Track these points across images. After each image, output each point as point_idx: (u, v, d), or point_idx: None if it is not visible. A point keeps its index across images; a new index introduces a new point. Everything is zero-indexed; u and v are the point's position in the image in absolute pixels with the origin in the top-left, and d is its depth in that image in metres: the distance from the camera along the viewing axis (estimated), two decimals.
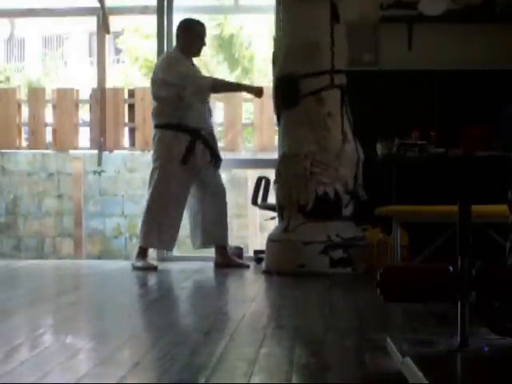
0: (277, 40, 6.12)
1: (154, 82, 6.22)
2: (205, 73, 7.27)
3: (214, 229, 6.28)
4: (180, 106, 6.09)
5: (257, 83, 13.26)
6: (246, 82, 13.43)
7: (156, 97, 6.19)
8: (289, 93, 5.88)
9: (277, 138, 7.11)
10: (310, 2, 5.84)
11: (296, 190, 5.85)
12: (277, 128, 7.08)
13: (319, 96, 5.83)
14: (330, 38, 5.83)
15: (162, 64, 6.23)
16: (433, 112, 6.53)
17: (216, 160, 6.26)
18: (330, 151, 5.82)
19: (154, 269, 6.10)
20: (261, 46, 13.33)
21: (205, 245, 6.36)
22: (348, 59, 6.03)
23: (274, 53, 6.14)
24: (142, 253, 6.23)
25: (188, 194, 6.23)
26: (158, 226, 6.14)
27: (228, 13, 11.89)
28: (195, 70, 6.27)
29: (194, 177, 6.20)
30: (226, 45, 14.28)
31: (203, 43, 6.27)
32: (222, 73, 13.46)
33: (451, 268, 2.50)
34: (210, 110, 6.37)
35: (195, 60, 6.36)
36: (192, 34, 6.23)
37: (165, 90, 6.11)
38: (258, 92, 6.31)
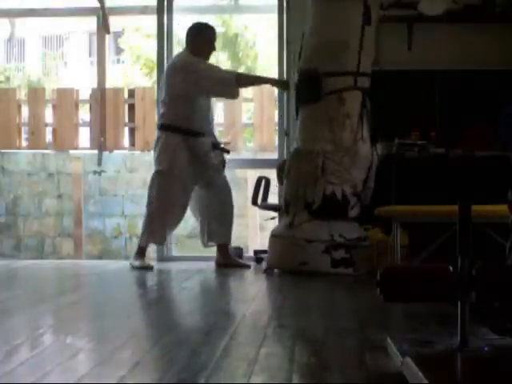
0: (303, 36, 6.07)
1: (167, 82, 6.21)
2: None
3: (217, 227, 6.30)
4: (191, 108, 6.10)
5: None
6: None
7: (168, 97, 6.17)
8: (311, 88, 5.86)
9: (277, 137, 7.10)
10: (343, 2, 5.83)
11: (304, 187, 5.84)
12: (277, 127, 7.10)
13: (341, 96, 5.81)
14: (360, 40, 5.82)
15: (179, 64, 6.19)
16: (433, 112, 6.53)
17: (223, 162, 6.31)
18: (344, 152, 5.80)
19: (150, 268, 6.12)
20: (265, 46, 13.32)
21: (210, 243, 6.38)
22: None
23: (300, 48, 6.10)
24: (141, 252, 6.26)
25: (190, 197, 6.26)
26: (162, 227, 6.21)
27: (228, 13, 11.89)
28: (216, 67, 6.29)
29: (199, 178, 6.22)
30: (230, 44, 14.28)
31: (213, 47, 6.28)
32: None
33: (451, 268, 2.50)
34: (212, 113, 6.39)
35: None
36: (202, 39, 6.24)
37: (181, 91, 6.10)
38: (283, 85, 6.31)
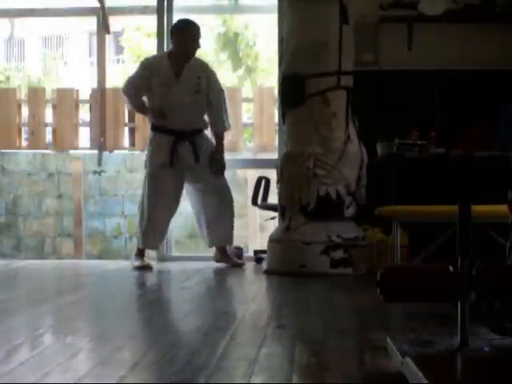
0: (283, 40, 6.10)
1: None
2: None
3: (215, 229, 6.31)
4: (164, 107, 6.12)
5: (260, 82, 13.30)
6: (248, 81, 13.47)
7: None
8: (294, 92, 5.88)
9: (277, 137, 7.11)
10: (319, 3, 5.84)
11: (298, 190, 5.85)
12: (277, 127, 7.10)
13: (325, 96, 5.82)
14: (339, 40, 5.83)
15: None
16: (433, 112, 6.53)
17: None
18: (334, 152, 5.82)
19: (150, 268, 6.14)
20: (266, 45, 13.30)
21: (212, 244, 6.39)
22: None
23: (281, 53, 6.12)
24: (139, 252, 6.30)
25: (179, 194, 6.26)
26: (152, 228, 6.23)
27: (228, 13, 11.88)
28: (137, 81, 6.27)
29: (184, 177, 6.22)
30: (231, 43, 14.27)
31: (196, 45, 6.19)
32: (226, 71, 13.44)
33: (451, 268, 2.50)
34: (196, 113, 6.32)
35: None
36: (183, 37, 6.16)
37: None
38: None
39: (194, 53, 6.22)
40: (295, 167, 5.87)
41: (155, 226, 6.25)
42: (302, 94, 5.84)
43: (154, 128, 6.25)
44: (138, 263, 6.21)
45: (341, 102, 5.87)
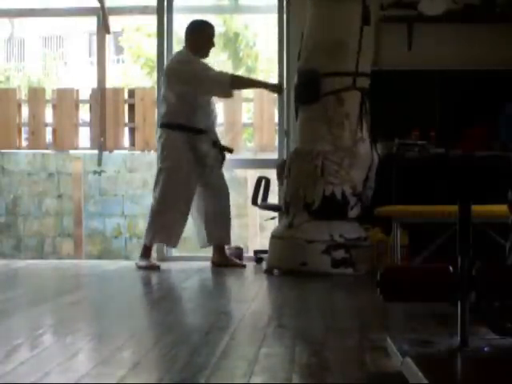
0: (303, 35, 6.06)
1: (166, 81, 6.22)
2: None
3: (215, 228, 6.29)
4: (192, 106, 6.11)
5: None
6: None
7: (168, 96, 6.17)
8: (309, 88, 5.87)
9: (277, 137, 7.10)
10: (341, 2, 5.83)
11: (304, 188, 5.84)
12: (277, 127, 7.10)
13: (339, 96, 5.82)
14: (358, 41, 5.82)
15: (175, 63, 6.23)
16: (433, 112, 6.53)
17: (222, 160, 6.32)
18: (344, 152, 5.80)
19: (157, 268, 6.11)
20: (266, 45, 13.30)
21: (209, 244, 6.37)
22: None
23: (300, 48, 6.10)
24: (146, 252, 6.24)
25: (195, 194, 6.25)
26: (167, 224, 6.16)
27: (228, 13, 11.89)
28: (211, 67, 6.30)
29: (200, 177, 6.22)
30: (231, 43, 14.28)
31: (212, 44, 6.29)
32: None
33: (451, 268, 2.50)
34: (214, 112, 6.40)
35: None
36: (202, 36, 6.24)
37: (178, 90, 6.11)
38: (277, 89, 6.38)
39: (209, 52, 6.31)
40: (304, 164, 5.86)
41: (172, 221, 6.16)
42: (316, 92, 5.82)
43: (181, 127, 6.16)
44: (144, 263, 6.15)
45: (355, 102, 5.86)
